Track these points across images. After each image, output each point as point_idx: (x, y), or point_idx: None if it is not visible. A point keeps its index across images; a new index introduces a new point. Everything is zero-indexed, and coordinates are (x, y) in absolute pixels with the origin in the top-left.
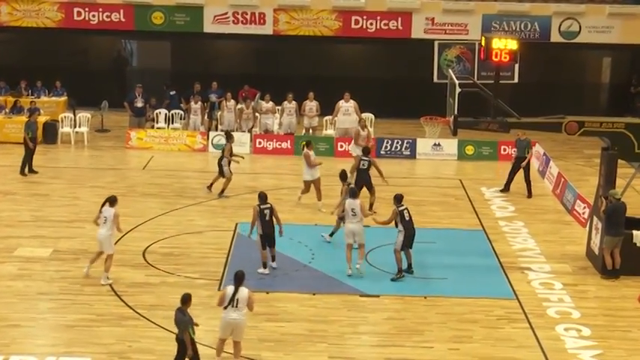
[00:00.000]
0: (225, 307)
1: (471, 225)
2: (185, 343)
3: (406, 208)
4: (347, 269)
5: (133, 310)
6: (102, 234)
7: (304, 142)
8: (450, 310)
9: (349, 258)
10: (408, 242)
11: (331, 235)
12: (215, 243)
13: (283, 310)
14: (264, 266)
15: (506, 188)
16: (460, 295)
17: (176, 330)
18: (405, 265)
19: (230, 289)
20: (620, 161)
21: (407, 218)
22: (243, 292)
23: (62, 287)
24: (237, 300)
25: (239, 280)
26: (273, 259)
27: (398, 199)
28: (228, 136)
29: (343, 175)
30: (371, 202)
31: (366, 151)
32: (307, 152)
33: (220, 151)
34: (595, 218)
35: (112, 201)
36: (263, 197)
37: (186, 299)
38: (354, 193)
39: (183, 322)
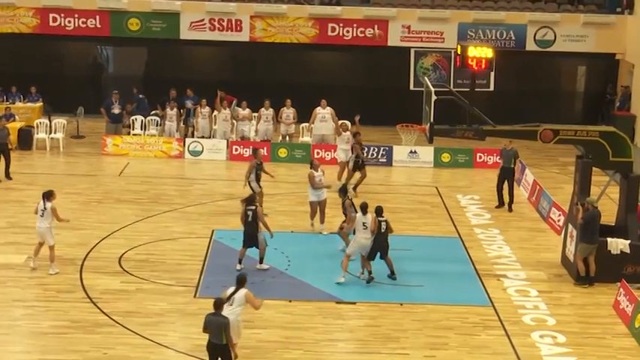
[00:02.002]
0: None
1: (447, 232)
2: (230, 347)
3: (385, 220)
4: (340, 277)
5: (108, 316)
6: (41, 227)
7: (309, 162)
8: (426, 317)
9: (346, 267)
10: (372, 255)
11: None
12: (191, 250)
13: (259, 317)
14: (239, 262)
15: (500, 204)
16: (436, 302)
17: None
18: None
19: (230, 289)
20: (594, 169)
21: (382, 230)
22: (241, 292)
23: (37, 294)
24: (233, 299)
25: (239, 282)
26: (261, 261)
27: (377, 210)
28: (254, 152)
29: (343, 190)
30: (357, 183)
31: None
32: (311, 173)
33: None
34: (570, 226)
35: (47, 195)
36: (249, 199)
37: (220, 303)
38: (364, 209)
39: (225, 323)
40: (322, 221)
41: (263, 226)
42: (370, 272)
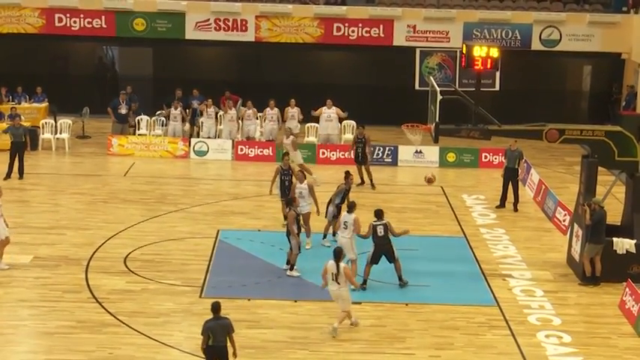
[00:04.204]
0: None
1: (453, 232)
2: (227, 350)
3: (383, 224)
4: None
5: (114, 316)
6: None
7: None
8: (432, 317)
9: (355, 271)
10: (374, 259)
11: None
12: (196, 250)
13: (264, 317)
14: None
15: (501, 204)
16: (441, 302)
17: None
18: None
19: (330, 264)
20: (600, 169)
21: (380, 234)
22: (340, 267)
23: (42, 294)
24: (338, 276)
25: (336, 256)
26: (291, 268)
27: (376, 214)
28: (283, 156)
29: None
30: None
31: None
32: (294, 184)
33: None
34: (576, 225)
35: None
36: (286, 202)
37: (218, 307)
38: (350, 208)
39: (228, 324)
40: (307, 234)
41: (291, 233)
42: (365, 282)
